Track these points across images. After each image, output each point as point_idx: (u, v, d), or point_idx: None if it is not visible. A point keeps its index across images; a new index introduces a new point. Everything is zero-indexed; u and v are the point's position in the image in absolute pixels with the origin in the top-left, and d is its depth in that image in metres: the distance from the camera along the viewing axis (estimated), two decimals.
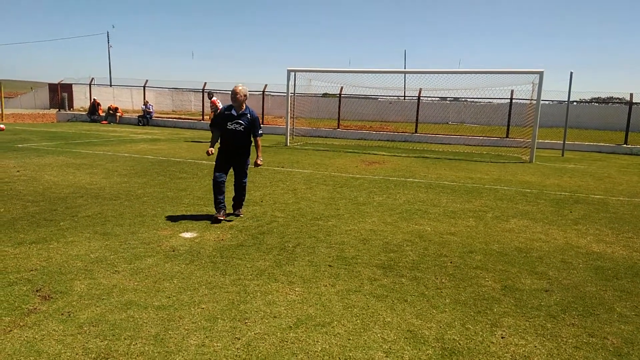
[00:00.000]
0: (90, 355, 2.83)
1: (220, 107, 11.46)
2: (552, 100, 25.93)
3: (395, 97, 29.16)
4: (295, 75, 17.85)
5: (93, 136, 17.74)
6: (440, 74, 17.91)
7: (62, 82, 32.80)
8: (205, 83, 26.13)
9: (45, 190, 7.45)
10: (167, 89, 39.55)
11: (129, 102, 37.97)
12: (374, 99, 29.85)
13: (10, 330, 3.09)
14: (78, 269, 4.20)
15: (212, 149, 6.15)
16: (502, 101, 22.74)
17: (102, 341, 2.99)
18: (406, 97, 30.72)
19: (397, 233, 5.73)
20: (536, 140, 14.76)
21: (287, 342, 3.07)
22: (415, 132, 21.78)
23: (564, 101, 18.41)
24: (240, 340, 3.07)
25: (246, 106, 6.09)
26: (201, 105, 27.51)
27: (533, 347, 3.13)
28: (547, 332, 3.35)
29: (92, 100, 27.59)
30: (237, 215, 6.22)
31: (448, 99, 36.10)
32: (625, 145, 19.27)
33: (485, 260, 4.86)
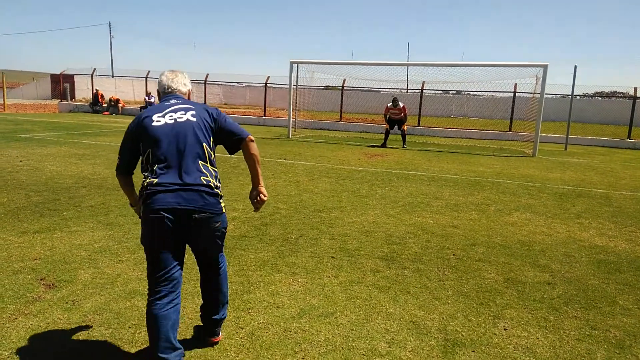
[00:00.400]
0: (95, 343, 2.85)
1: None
2: (556, 94, 25.83)
3: (398, 90, 29.08)
4: (298, 67, 17.79)
5: (95, 127, 17.74)
6: (443, 67, 17.85)
7: (64, 73, 32.75)
8: (208, 74, 26.09)
9: (49, 180, 7.46)
10: None
11: (130, 93, 37.94)
12: (377, 91, 29.76)
13: (15, 318, 3.10)
14: (82, 258, 4.22)
15: None
16: (506, 94, 22.67)
17: (106, 329, 3.01)
18: (409, 90, 30.64)
19: (399, 225, 5.73)
20: (539, 134, 14.71)
21: (290, 331, 3.09)
22: (418, 125, 21.73)
23: (568, 95, 18.33)
24: (244, 330, 3.08)
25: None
26: (203, 96, 27.46)
27: (535, 339, 3.14)
28: (549, 324, 3.36)
29: (95, 90, 27.57)
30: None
31: (451, 92, 35.99)
32: (628, 140, 19.22)
33: (488, 252, 4.86)
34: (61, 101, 29.69)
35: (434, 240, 5.21)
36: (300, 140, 16.33)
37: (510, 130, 20.72)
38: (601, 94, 36.08)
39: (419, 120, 22.15)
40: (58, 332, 2.96)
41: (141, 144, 2.69)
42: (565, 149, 16.51)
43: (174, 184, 2.53)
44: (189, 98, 2.96)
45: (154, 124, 2.66)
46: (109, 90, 32.34)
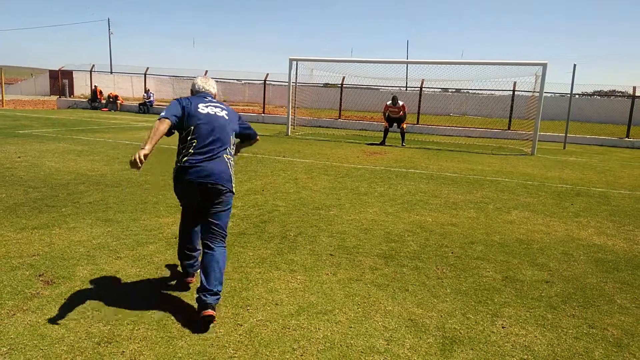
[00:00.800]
0: (93, 339, 2.85)
1: None
2: (555, 93, 25.83)
3: (397, 88, 29.07)
4: (297, 64, 17.77)
5: (94, 123, 17.70)
6: (442, 65, 17.84)
7: (63, 69, 32.65)
8: (207, 71, 26.04)
9: (47, 176, 7.44)
10: (167, 77, 39.38)
11: (129, 90, 37.84)
12: (376, 89, 29.73)
13: (14, 314, 3.10)
14: (80, 254, 4.21)
15: None
16: (505, 93, 22.67)
17: (105, 326, 3.01)
18: (408, 88, 30.62)
19: (398, 223, 5.73)
20: (538, 133, 14.72)
21: (289, 329, 3.09)
22: (417, 123, 21.73)
23: (567, 94, 18.34)
24: (242, 327, 3.09)
25: None
26: None
27: (533, 337, 3.15)
28: (547, 322, 3.37)
29: (94, 87, 27.51)
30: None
31: (450, 90, 35.98)
32: (627, 139, 19.25)
33: (487, 251, 4.87)
34: (60, 97, 29.61)
35: (433, 238, 5.21)
36: (299, 137, 16.32)
37: (509, 128, 20.73)
38: (600, 93, 36.09)
39: (418, 118, 22.14)
40: (56, 328, 2.96)
41: (187, 119, 3.39)
42: (564, 147, 16.53)
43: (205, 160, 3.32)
44: (215, 98, 3.72)
45: (200, 110, 3.44)
46: (107, 87, 32.25)
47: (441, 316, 3.38)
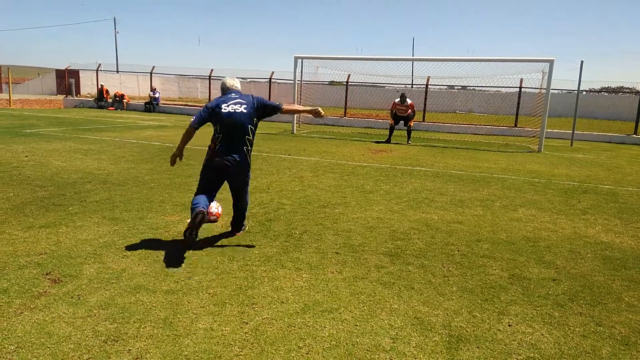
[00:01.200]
0: (100, 337, 2.86)
1: None
2: (562, 90, 25.68)
3: (403, 86, 29.01)
4: (302, 62, 17.76)
5: (100, 122, 17.79)
6: (448, 62, 17.78)
7: (69, 68, 32.84)
8: (212, 70, 26.10)
9: (54, 175, 7.49)
10: (173, 76, 39.54)
11: (135, 89, 38.01)
12: (381, 87, 29.68)
13: (21, 313, 3.12)
14: (87, 253, 4.24)
15: None
16: (511, 90, 22.56)
17: (111, 324, 3.03)
18: (414, 86, 30.53)
19: (404, 221, 5.72)
20: (545, 130, 14.64)
21: (294, 327, 3.09)
22: (423, 120, 21.67)
23: (574, 90, 18.21)
24: (248, 325, 3.09)
25: None
26: (208, 92, 27.46)
27: (540, 335, 3.13)
28: (554, 320, 3.35)
29: (100, 86, 27.64)
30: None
31: (456, 87, 35.87)
32: (635, 136, 19.09)
33: (493, 249, 4.85)
34: (66, 96, 29.78)
35: (439, 236, 5.20)
36: (304, 135, 16.32)
37: (515, 125, 20.63)
38: (607, 90, 35.84)
39: (423, 116, 22.08)
40: (63, 326, 2.98)
41: (213, 119, 4.47)
42: (571, 144, 16.42)
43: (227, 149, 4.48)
44: (239, 91, 4.68)
45: (223, 110, 4.45)
46: (113, 86, 32.42)
47: (447, 314, 3.37)
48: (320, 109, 4.77)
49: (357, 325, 3.15)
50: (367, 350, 2.86)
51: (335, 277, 3.94)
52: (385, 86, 29.30)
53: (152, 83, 28.84)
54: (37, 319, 3.05)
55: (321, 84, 26.43)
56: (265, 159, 10.14)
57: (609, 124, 25.11)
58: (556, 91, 24.35)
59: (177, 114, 25.23)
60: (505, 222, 5.89)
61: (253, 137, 4.59)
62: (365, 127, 20.86)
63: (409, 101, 14.92)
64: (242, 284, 3.73)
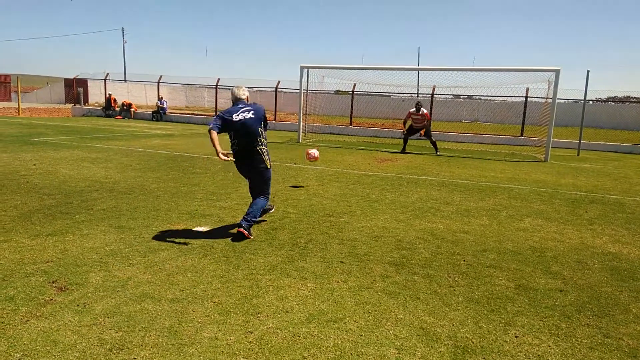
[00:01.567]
0: (105, 346, 2.87)
1: None
2: (568, 99, 25.61)
3: (409, 95, 29.03)
4: (308, 71, 17.85)
5: (108, 131, 17.92)
6: (454, 72, 17.79)
7: (78, 77, 33.17)
8: (219, 79, 26.27)
9: (61, 183, 7.54)
10: (180, 85, 39.80)
11: (142, 98, 38.29)
12: (387, 96, 29.73)
13: (27, 321, 3.14)
14: (93, 261, 4.25)
15: None
16: (517, 99, 22.53)
17: (117, 332, 3.03)
18: (419, 95, 30.56)
19: (409, 230, 5.71)
20: (551, 139, 14.59)
21: (299, 336, 3.08)
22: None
23: (580, 100, 18.18)
24: (252, 334, 3.09)
25: None
26: (214, 101, 27.62)
27: (547, 346, 3.11)
28: (561, 332, 3.32)
29: (108, 95, 27.88)
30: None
31: (462, 96, 35.85)
32: None
33: (499, 259, 4.82)
34: (74, 105, 30.05)
35: (444, 245, 5.18)
36: (310, 144, 16.35)
37: (522, 135, 20.57)
38: (614, 99, 35.69)
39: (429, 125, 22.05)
40: (69, 334, 2.98)
41: (227, 127, 5.10)
42: (578, 154, 16.35)
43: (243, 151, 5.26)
44: (247, 100, 5.34)
45: (234, 119, 5.09)
46: (121, 95, 32.68)
47: (453, 325, 3.35)
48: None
49: (362, 336, 3.14)
50: None
51: (340, 287, 3.93)
52: (390, 95, 29.36)
53: (160, 92, 29.06)
54: (42, 326, 3.06)
55: (327, 93, 26.51)
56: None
57: (616, 134, 25.00)
58: (562, 101, 24.29)
59: (184, 122, 25.38)
60: (511, 232, 5.86)
61: (264, 137, 5.31)
62: (371, 136, 20.87)
63: (424, 110, 14.75)
64: (247, 293, 3.72)
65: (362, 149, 15.51)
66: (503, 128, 23.61)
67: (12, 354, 2.75)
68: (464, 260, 4.72)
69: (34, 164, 9.27)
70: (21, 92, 28.31)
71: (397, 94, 28.72)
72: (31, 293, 3.55)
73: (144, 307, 3.40)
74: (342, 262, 4.52)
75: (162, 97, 27.28)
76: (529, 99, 20.85)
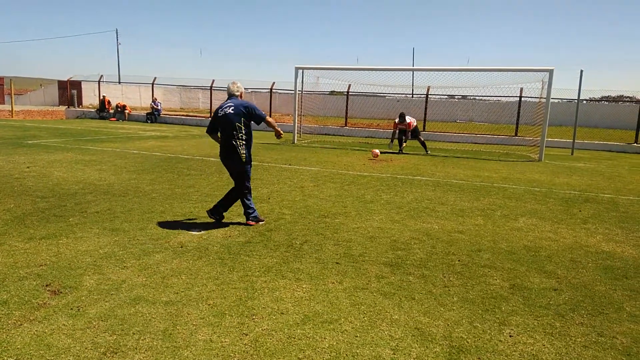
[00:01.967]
0: (99, 349, 2.86)
1: None
2: (562, 99, 25.75)
3: (403, 95, 29.11)
4: (303, 72, 17.84)
5: (102, 133, 17.85)
6: (448, 72, 17.84)
7: (71, 79, 33.02)
8: (213, 80, 26.22)
9: (55, 186, 7.50)
10: (175, 87, 39.71)
11: (137, 100, 38.15)
12: (382, 96, 29.78)
13: (21, 324, 3.12)
14: (87, 264, 4.23)
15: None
16: (511, 99, 22.62)
17: (111, 336, 3.02)
18: (414, 95, 30.63)
19: (404, 231, 5.71)
20: (545, 139, 14.65)
21: (294, 338, 3.08)
22: (423, 130, 21.69)
23: (574, 99, 18.27)
24: (247, 336, 3.08)
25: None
26: (209, 102, 27.58)
27: (541, 345, 3.12)
28: (555, 331, 3.33)
29: (102, 97, 27.77)
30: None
31: (456, 97, 35.97)
32: (635, 144, 19.10)
33: (494, 258, 4.84)
34: (68, 107, 29.91)
35: (439, 246, 5.19)
36: (305, 145, 16.35)
37: (516, 135, 20.65)
38: (608, 98, 35.89)
39: (424, 125, 22.12)
40: (63, 338, 2.97)
41: (216, 123, 5.63)
42: (572, 153, 16.43)
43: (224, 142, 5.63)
44: (241, 96, 5.75)
45: (219, 114, 5.57)
46: (115, 97, 32.54)
47: (448, 325, 3.36)
48: (281, 132, 5.98)
49: (357, 336, 3.14)
50: None
51: (335, 288, 3.93)
52: (385, 96, 29.40)
53: (154, 94, 28.98)
54: (36, 330, 3.05)
55: (322, 94, 26.51)
56: (266, 169, 10.16)
57: (610, 133, 25.13)
58: (556, 100, 24.42)
59: (178, 124, 25.31)
60: (506, 231, 5.88)
61: (244, 132, 5.54)
62: (366, 137, 20.89)
63: (408, 119, 14.81)
64: (242, 295, 3.72)
65: (357, 150, 15.52)
66: (497, 128, 23.70)
67: (5, 358, 2.73)
68: (459, 260, 4.73)
69: (28, 167, 9.22)
70: (14, 94, 28.15)
71: (392, 95, 28.79)
72: (24, 297, 3.53)
73: (138, 310, 3.39)
74: (337, 263, 4.52)
75: (155, 99, 27.20)
76: (523, 98, 20.94)
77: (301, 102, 18.56)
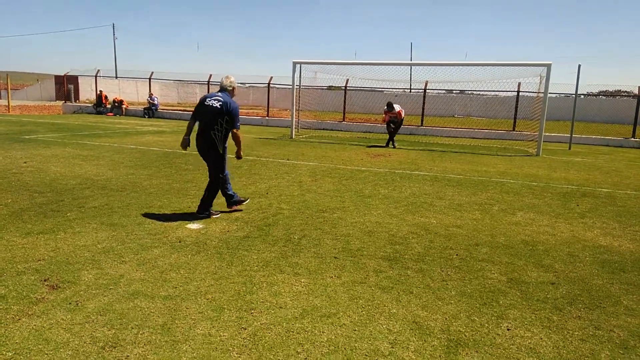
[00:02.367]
0: (98, 344, 2.86)
1: None
2: (560, 93, 25.74)
3: (402, 90, 29.07)
4: (300, 67, 17.81)
5: (99, 128, 17.80)
6: (446, 67, 17.83)
7: (68, 74, 32.90)
8: (211, 75, 26.14)
9: (52, 181, 7.49)
10: (172, 81, 39.58)
11: (134, 94, 38.05)
12: (380, 91, 29.75)
13: (19, 319, 3.12)
14: (85, 259, 4.23)
15: None
16: (509, 94, 22.61)
17: (109, 330, 3.02)
18: (412, 90, 30.60)
19: (402, 225, 5.72)
20: (543, 133, 14.67)
21: (293, 332, 3.09)
22: (421, 125, 21.70)
23: (572, 94, 18.28)
24: (246, 330, 3.09)
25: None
26: None
27: (539, 339, 3.13)
28: (553, 324, 3.35)
29: (99, 92, 27.67)
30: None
31: (454, 91, 35.91)
32: (633, 139, 19.13)
33: (491, 252, 4.85)
34: (65, 102, 29.80)
35: (437, 240, 5.20)
36: (303, 140, 16.33)
37: (514, 129, 20.66)
38: (605, 93, 35.92)
39: (422, 120, 22.11)
40: (61, 332, 2.97)
41: (198, 110, 5.72)
42: (569, 148, 16.46)
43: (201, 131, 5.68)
44: (233, 91, 5.77)
45: (205, 102, 5.63)
46: (112, 92, 32.45)
47: (446, 319, 3.37)
48: (241, 153, 5.92)
49: (355, 330, 3.15)
50: (365, 355, 2.85)
51: (333, 282, 3.94)
52: (383, 91, 29.36)
53: (151, 88, 28.88)
54: (34, 325, 3.05)
55: (320, 88, 26.45)
56: (264, 164, 10.15)
57: (607, 128, 25.18)
58: (554, 95, 24.40)
59: (176, 119, 25.25)
60: (503, 226, 5.89)
61: (224, 127, 5.58)
62: (364, 132, 20.88)
63: (397, 107, 14.79)
64: (241, 289, 3.72)
65: (355, 145, 15.51)
66: (495, 122, 23.72)
67: (3, 352, 2.73)
68: (457, 255, 4.74)
69: (25, 162, 9.19)
70: (11, 89, 28.02)
71: (390, 89, 28.75)
72: (23, 291, 3.53)
73: (136, 304, 3.39)
74: (335, 257, 4.52)
75: (152, 94, 27.10)
76: (521, 93, 20.93)
77: (299, 96, 18.53)
